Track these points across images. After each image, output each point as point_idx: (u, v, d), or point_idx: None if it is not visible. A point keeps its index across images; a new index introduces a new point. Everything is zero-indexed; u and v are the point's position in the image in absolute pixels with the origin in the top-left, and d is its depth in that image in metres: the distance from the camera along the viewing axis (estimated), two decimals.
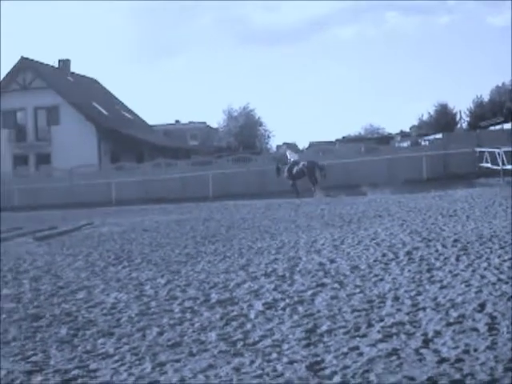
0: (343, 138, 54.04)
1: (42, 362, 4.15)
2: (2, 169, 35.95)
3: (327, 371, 3.57)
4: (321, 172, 24.58)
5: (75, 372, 3.87)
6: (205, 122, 61.45)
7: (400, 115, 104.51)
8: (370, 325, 4.46)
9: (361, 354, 3.81)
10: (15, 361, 4.21)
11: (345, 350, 3.92)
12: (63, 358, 4.21)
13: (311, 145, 47.98)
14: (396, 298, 5.22)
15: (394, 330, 4.27)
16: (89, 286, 6.81)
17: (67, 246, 10.95)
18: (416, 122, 62.09)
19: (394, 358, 3.71)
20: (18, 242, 12.41)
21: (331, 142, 46.85)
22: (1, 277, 7.88)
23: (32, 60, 42.17)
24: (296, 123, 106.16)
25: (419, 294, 5.32)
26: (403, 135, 54.43)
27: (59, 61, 46.43)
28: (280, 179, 25.61)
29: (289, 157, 26.36)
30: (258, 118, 62.90)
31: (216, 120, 64.33)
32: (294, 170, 24.95)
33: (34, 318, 5.43)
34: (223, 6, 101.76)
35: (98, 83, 50.71)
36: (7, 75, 41.34)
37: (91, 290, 6.57)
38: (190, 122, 62.05)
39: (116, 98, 50.64)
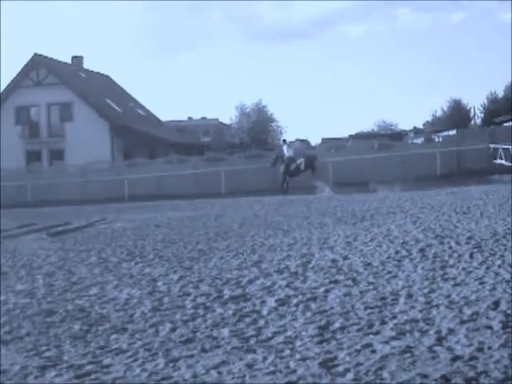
0: (356, 134, 53.93)
1: (56, 357, 4.16)
2: (15, 165, 36.17)
3: (340, 368, 3.56)
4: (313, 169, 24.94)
5: (88, 367, 3.89)
6: (217, 119, 61.54)
7: (413, 111, 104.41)
8: (383, 322, 4.44)
9: (374, 352, 3.80)
10: (29, 356, 4.23)
11: (358, 347, 3.91)
12: (76, 353, 4.22)
13: (324, 141, 47.86)
14: (409, 296, 5.20)
15: (407, 328, 4.26)
16: (102, 282, 6.84)
17: (80, 242, 11.01)
18: (429, 119, 61.90)
19: (407, 355, 3.69)
20: (31, 237, 12.49)
21: (344, 138, 46.74)
22: (15, 272, 7.93)
23: (45, 56, 42.36)
24: (308, 119, 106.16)
25: (433, 291, 5.30)
26: (416, 132, 54.28)
27: (72, 57, 46.61)
28: (276, 170, 26.03)
29: (285, 152, 26.43)
30: (271, 114, 62.97)
31: (228, 116, 64.56)
32: (291, 167, 25.20)
33: (48, 314, 5.45)
34: (235, 3, 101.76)
35: (111, 80, 50.86)
36: (20, 71, 41.52)
37: (104, 286, 6.59)
38: (203, 119, 62.18)
39: (129, 95, 50.76)
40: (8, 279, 7.46)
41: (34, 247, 10.58)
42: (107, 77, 50.52)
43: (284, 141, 29.96)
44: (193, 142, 51.24)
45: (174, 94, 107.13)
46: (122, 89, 51.00)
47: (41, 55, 41.93)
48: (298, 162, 25.35)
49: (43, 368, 3.94)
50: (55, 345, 4.46)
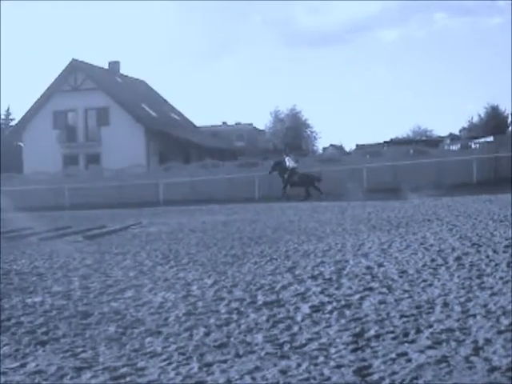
0: (391, 140, 53.50)
1: (91, 358, 4.21)
2: (52, 168, 36.77)
3: (375, 376, 3.52)
4: (318, 182, 25.51)
5: (124, 370, 3.92)
6: (251, 124, 61.69)
7: (449, 117, 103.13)
8: (418, 331, 4.39)
9: (409, 360, 3.75)
10: (65, 357, 4.28)
11: (393, 355, 3.87)
12: (112, 355, 4.26)
13: (358, 147, 47.59)
14: (445, 304, 5.13)
15: (443, 337, 4.20)
16: (137, 285, 6.89)
17: (116, 245, 11.13)
18: (466, 125, 61.08)
19: (443, 365, 3.64)
20: (67, 240, 12.67)
21: (379, 144, 46.38)
22: (52, 274, 8.05)
23: (83, 62, 43.04)
24: (343, 125, 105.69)
25: (469, 300, 5.22)
26: (453, 138, 53.57)
27: (109, 62, 47.27)
28: (272, 176, 26.67)
29: (287, 163, 26.71)
30: (305, 119, 63.01)
31: (263, 122, 64.55)
32: (293, 178, 25.95)
33: (84, 316, 5.51)
34: (270, 8, 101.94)
35: (147, 85, 51.42)
36: (59, 77, 42.28)
37: (139, 289, 6.64)
38: (237, 124, 62.40)
39: (164, 100, 51.26)
40: (45, 281, 7.58)
41: (70, 249, 10.73)
42: (143, 82, 51.10)
43: (286, 152, 30.38)
44: (227, 146, 51.45)
45: (208, 98, 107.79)
46: (158, 94, 51.52)
47: (78, 60, 42.60)
48: (300, 173, 26.17)
49: (79, 369, 3.98)
50: (91, 346, 4.51)
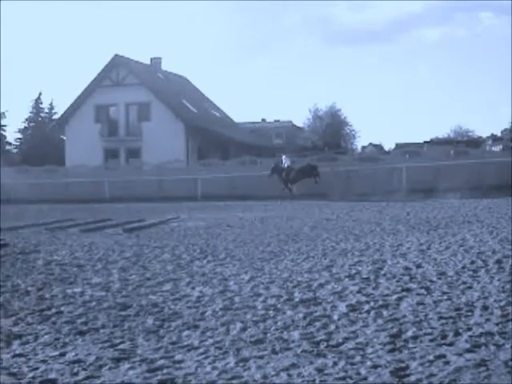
0: (431, 140, 52.79)
1: (130, 350, 4.26)
2: (93, 162, 37.30)
3: (412, 378, 3.49)
4: (314, 177, 26.23)
5: (161, 362, 3.96)
6: (290, 121, 61.50)
7: (491, 118, 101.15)
8: (457, 333, 4.33)
9: (447, 363, 3.71)
10: (104, 347, 4.35)
11: (431, 357, 3.82)
12: (149, 347, 4.31)
13: (398, 146, 47.10)
14: (485, 308, 5.05)
15: (482, 340, 4.14)
16: (175, 279, 6.96)
17: (154, 239, 11.24)
18: (508, 126, 59.90)
19: (482, 368, 3.59)
20: (107, 232, 12.85)
21: (419, 143, 45.81)
22: (91, 266, 8.18)
23: (125, 57, 43.51)
24: (382, 124, 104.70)
25: (509, 304, 5.13)
26: (494, 139, 52.57)
27: (151, 58, 47.69)
28: (273, 179, 26.96)
29: (284, 162, 27.00)
30: (344, 117, 62.58)
31: (302, 119, 64.32)
32: (291, 175, 26.62)
33: (122, 307, 5.59)
34: (311, 5, 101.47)
35: (188, 81, 51.73)
36: (101, 72, 42.85)
37: (177, 283, 6.70)
38: (276, 121, 62.28)
39: (204, 96, 51.50)
40: (85, 272, 7.70)
41: (110, 242, 10.88)
42: (184, 78, 51.42)
43: (283, 152, 30.86)
44: (265, 143, 51.49)
45: (248, 95, 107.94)
46: (198, 90, 51.79)
47: (121, 56, 43.09)
48: (296, 169, 26.86)
49: (117, 360, 4.03)
50: (129, 338, 4.57)
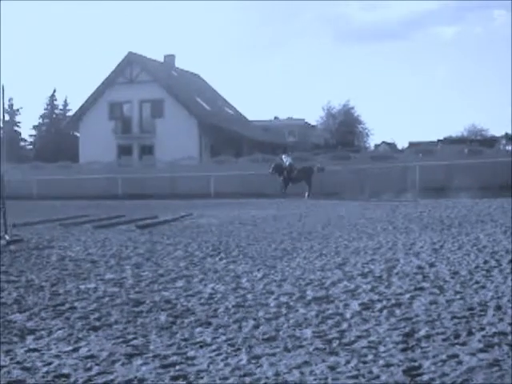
0: (445, 138, 52.48)
1: (142, 346, 4.28)
2: (107, 158, 37.44)
3: (425, 377, 3.49)
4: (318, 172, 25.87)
5: (173, 358, 3.98)
6: (303, 119, 61.31)
7: (505, 117, 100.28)
8: (470, 333, 4.32)
9: (460, 363, 3.70)
10: (117, 343, 4.37)
11: (443, 357, 3.81)
12: (162, 343, 4.33)
13: (411, 144, 46.87)
14: (498, 307, 5.03)
15: (495, 340, 4.12)
16: (187, 276, 6.98)
17: (167, 236, 11.28)
18: None
19: (495, 369, 3.57)
20: (121, 229, 12.90)
21: (432, 142, 45.55)
22: (105, 262, 8.22)
23: (139, 55, 43.60)
24: (396, 122, 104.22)
25: None
26: (509, 138, 52.19)
27: (165, 56, 47.75)
28: (274, 177, 26.59)
29: (284, 160, 26.89)
30: (357, 115, 62.32)
31: (314, 117, 64.15)
32: (293, 174, 26.14)
33: (135, 303, 5.62)
34: (324, 4, 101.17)
35: (201, 78, 51.76)
36: (115, 69, 42.94)
37: (190, 280, 6.73)
38: (289, 119, 62.11)
39: (218, 94, 51.50)
40: (98, 267, 7.75)
41: (123, 238, 10.92)
42: (197, 76, 51.46)
43: (284, 151, 30.58)
44: (278, 141, 51.38)
45: (261, 93, 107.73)
46: (212, 87, 51.80)
47: (135, 53, 43.18)
48: (297, 169, 26.34)
49: (130, 356, 4.06)
50: (142, 334, 4.59)
